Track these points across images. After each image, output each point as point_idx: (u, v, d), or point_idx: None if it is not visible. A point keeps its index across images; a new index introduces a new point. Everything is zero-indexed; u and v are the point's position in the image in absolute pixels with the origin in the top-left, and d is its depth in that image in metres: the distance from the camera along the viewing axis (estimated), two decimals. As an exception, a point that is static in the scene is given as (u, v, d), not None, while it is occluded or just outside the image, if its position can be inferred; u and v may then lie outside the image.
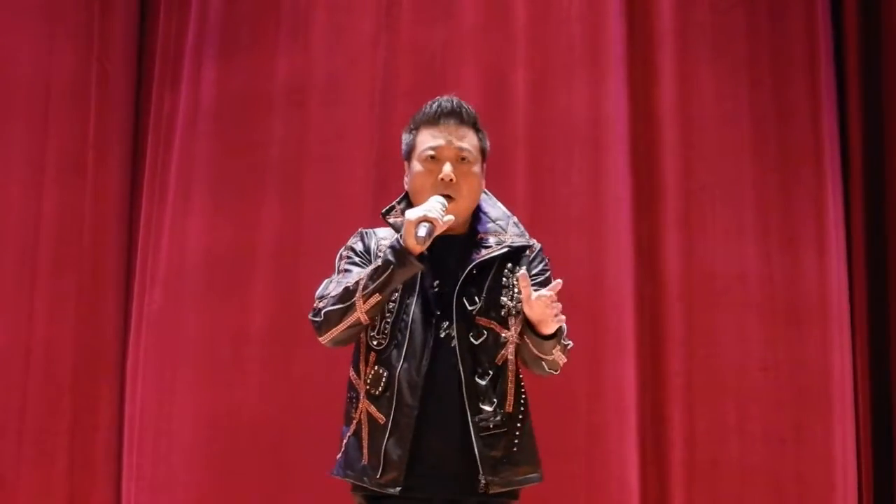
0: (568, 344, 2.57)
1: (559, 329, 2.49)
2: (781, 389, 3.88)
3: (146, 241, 4.73)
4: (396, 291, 2.55)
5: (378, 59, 4.32)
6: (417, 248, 2.45)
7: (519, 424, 2.54)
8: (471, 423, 2.48)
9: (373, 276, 2.48)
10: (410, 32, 4.30)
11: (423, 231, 2.43)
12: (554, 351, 2.52)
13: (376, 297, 2.48)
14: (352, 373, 2.63)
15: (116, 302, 4.84)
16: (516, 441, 2.52)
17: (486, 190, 2.73)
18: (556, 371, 2.61)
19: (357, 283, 2.51)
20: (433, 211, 2.46)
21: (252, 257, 4.43)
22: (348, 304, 2.50)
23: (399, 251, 2.45)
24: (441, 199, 2.52)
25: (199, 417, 4.41)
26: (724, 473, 3.84)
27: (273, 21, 4.57)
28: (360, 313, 2.50)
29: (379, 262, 2.49)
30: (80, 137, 4.86)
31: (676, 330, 3.94)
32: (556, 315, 2.43)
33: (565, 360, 2.58)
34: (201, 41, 4.68)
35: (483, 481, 2.47)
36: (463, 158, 2.59)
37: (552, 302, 2.41)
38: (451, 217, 2.49)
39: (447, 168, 2.57)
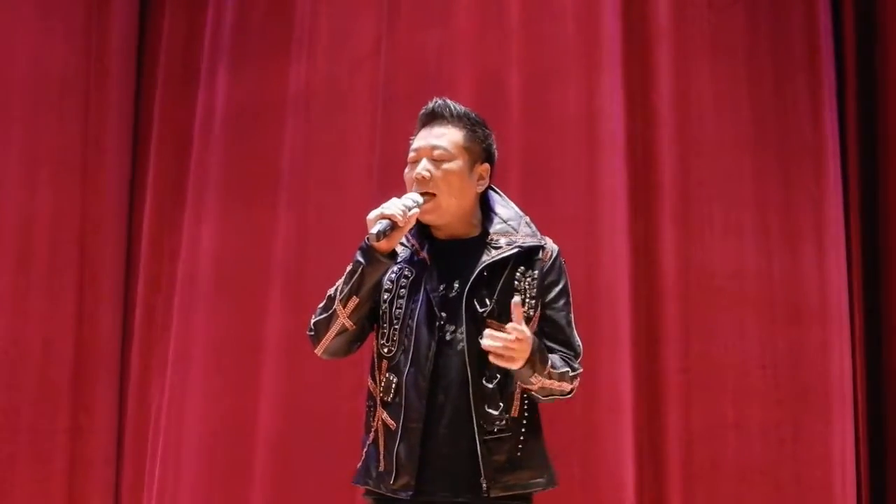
0: (564, 371, 2.50)
1: (535, 360, 2.41)
2: (780, 388, 3.88)
3: (156, 245, 4.74)
4: (401, 293, 2.56)
5: (379, 66, 4.32)
6: (383, 246, 2.46)
7: (524, 430, 2.52)
8: (475, 426, 2.48)
9: (346, 280, 2.52)
10: (408, 38, 4.29)
11: (377, 228, 2.44)
12: (532, 379, 2.43)
13: (354, 301, 2.51)
14: (369, 382, 2.64)
15: (113, 303, 4.86)
16: (520, 446, 2.51)
17: (497, 190, 2.71)
18: (553, 399, 2.52)
19: (336, 289, 2.54)
20: (391, 207, 2.46)
21: (262, 265, 4.44)
22: (331, 311, 2.54)
23: (366, 250, 2.48)
24: (414, 196, 2.53)
25: (208, 424, 4.41)
26: (722, 472, 3.84)
27: (284, 31, 4.58)
28: (343, 319, 2.53)
29: (350, 265, 2.52)
30: (78, 136, 4.86)
31: (673, 328, 3.92)
32: (499, 353, 2.36)
33: (568, 386, 2.51)
34: (217, 50, 4.69)
35: (485, 485, 2.47)
36: (436, 157, 2.57)
37: (507, 342, 2.35)
38: (416, 212, 2.49)
39: (419, 166, 2.57)
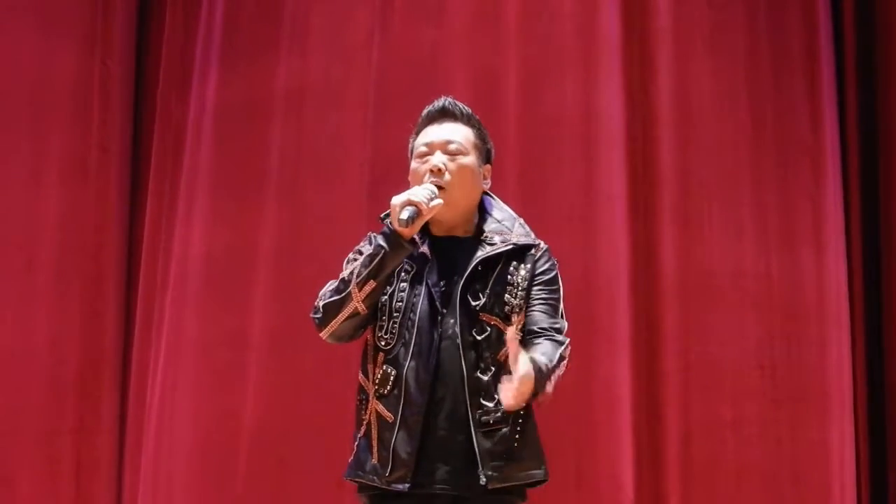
0: (559, 357, 2.51)
1: (543, 380, 2.44)
2: (778, 387, 3.86)
3: (153, 244, 4.76)
4: (402, 286, 2.58)
5: (373, 62, 4.33)
6: (406, 232, 2.50)
7: (521, 421, 2.54)
8: (471, 418, 2.50)
9: (366, 264, 2.53)
10: (402, 34, 4.30)
11: (405, 214, 2.47)
12: (549, 388, 2.46)
13: (371, 285, 2.53)
14: (360, 376, 2.65)
15: (118, 303, 4.87)
16: (517, 437, 2.53)
17: (492, 194, 2.75)
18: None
19: (352, 272, 2.55)
20: (417, 195, 2.51)
21: (254, 261, 4.45)
22: (345, 294, 2.55)
23: (389, 235, 2.51)
24: (431, 186, 2.57)
25: (200, 420, 4.42)
26: (721, 472, 3.83)
27: (274, 27, 4.59)
28: (356, 302, 2.54)
29: (370, 248, 2.54)
30: (84, 138, 4.87)
31: (672, 327, 3.92)
32: (516, 398, 2.37)
33: (566, 360, 2.54)
34: (209, 49, 4.71)
35: (483, 477, 2.49)
36: (451, 150, 2.63)
37: (520, 394, 2.37)
38: (438, 202, 2.53)
39: (434, 158, 2.62)
